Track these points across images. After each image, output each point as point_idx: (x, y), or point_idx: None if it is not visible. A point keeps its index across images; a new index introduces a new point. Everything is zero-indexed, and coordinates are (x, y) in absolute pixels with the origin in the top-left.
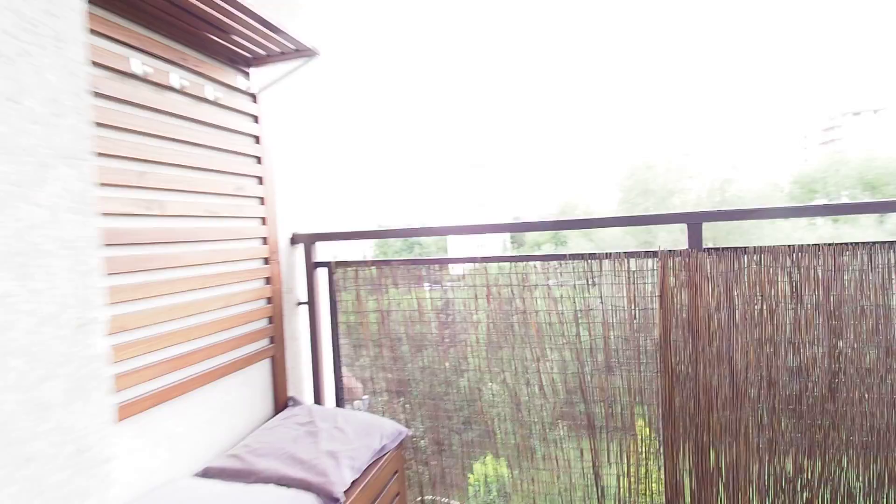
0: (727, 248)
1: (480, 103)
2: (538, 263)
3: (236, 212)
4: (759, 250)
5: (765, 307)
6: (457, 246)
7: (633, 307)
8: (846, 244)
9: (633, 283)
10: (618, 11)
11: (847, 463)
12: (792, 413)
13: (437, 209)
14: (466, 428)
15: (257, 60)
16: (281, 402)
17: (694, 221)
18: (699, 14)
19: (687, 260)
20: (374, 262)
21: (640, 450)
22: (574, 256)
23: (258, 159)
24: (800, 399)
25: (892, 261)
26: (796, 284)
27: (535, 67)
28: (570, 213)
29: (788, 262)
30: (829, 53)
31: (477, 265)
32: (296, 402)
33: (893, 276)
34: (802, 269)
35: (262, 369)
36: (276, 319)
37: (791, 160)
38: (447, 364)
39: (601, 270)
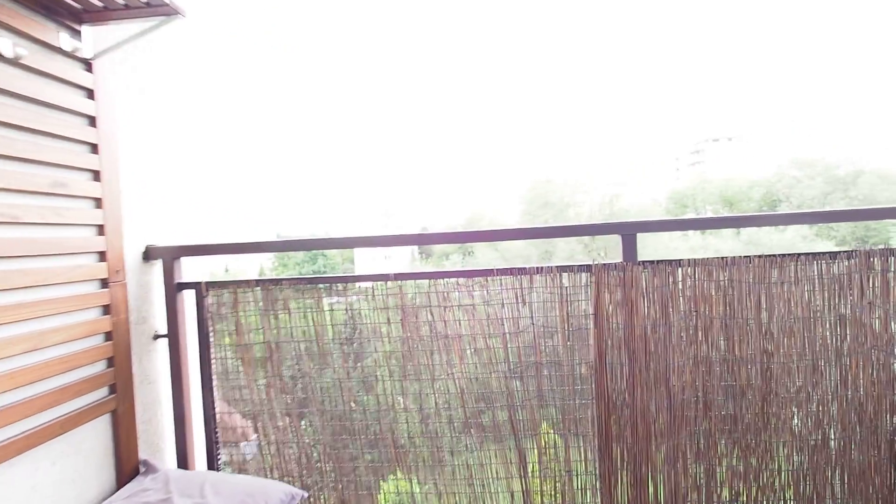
0: (661, 261)
1: (388, 108)
2: (461, 279)
3: (53, 217)
4: (693, 263)
5: (699, 324)
6: (365, 258)
7: (566, 327)
8: (775, 256)
9: (566, 301)
10: (522, 33)
11: (780, 486)
12: (728, 436)
13: (339, 217)
14: (373, 451)
15: (92, 14)
16: (127, 470)
17: (628, 232)
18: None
19: (623, 274)
20: (259, 282)
21: (574, 487)
22: (503, 272)
23: (93, 147)
24: (735, 420)
25: (816, 272)
26: (730, 299)
27: (441, 78)
28: (476, 222)
29: (722, 276)
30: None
31: (389, 283)
32: (149, 469)
33: (816, 289)
34: (735, 283)
35: (99, 429)
36: (119, 360)
37: (666, 179)
38: (353, 404)
39: (532, 286)
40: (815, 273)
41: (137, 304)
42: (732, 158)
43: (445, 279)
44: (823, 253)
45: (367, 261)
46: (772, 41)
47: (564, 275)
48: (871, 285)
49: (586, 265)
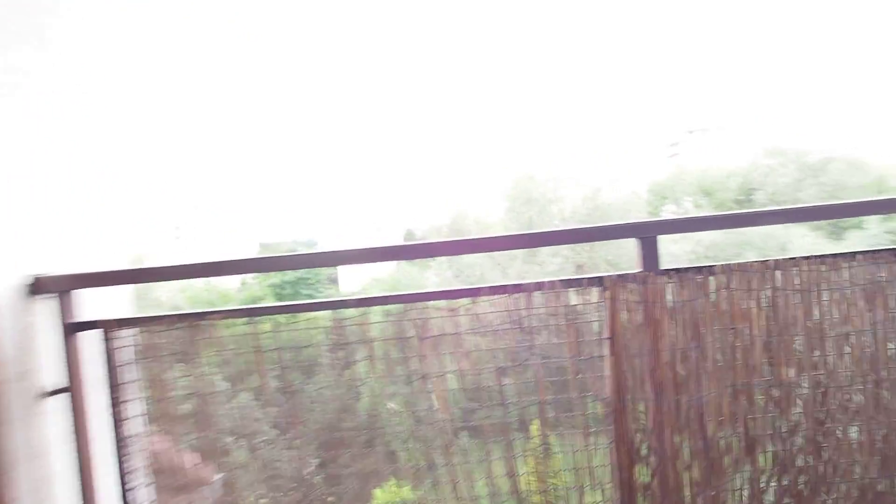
0: (689, 268)
1: (363, 104)
2: (443, 301)
3: None
4: (728, 269)
5: (738, 345)
6: (349, 272)
7: (575, 357)
8: (825, 258)
9: (574, 324)
10: (501, 29)
11: None
12: (778, 484)
13: (318, 219)
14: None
15: None
16: None
17: (647, 235)
18: (569, 42)
19: (643, 287)
20: (182, 317)
21: None
22: (495, 289)
23: None
24: (785, 464)
25: (877, 275)
26: (773, 312)
27: (419, 75)
28: (461, 221)
29: (764, 284)
30: (671, 78)
31: (351, 310)
32: None
33: (878, 298)
34: (780, 293)
35: None
36: None
37: (645, 171)
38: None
39: (531, 306)
40: (876, 276)
41: (18, 354)
42: (709, 149)
43: (423, 302)
44: (883, 250)
45: (350, 267)
46: (743, 34)
47: (571, 291)
48: None
49: (598, 277)
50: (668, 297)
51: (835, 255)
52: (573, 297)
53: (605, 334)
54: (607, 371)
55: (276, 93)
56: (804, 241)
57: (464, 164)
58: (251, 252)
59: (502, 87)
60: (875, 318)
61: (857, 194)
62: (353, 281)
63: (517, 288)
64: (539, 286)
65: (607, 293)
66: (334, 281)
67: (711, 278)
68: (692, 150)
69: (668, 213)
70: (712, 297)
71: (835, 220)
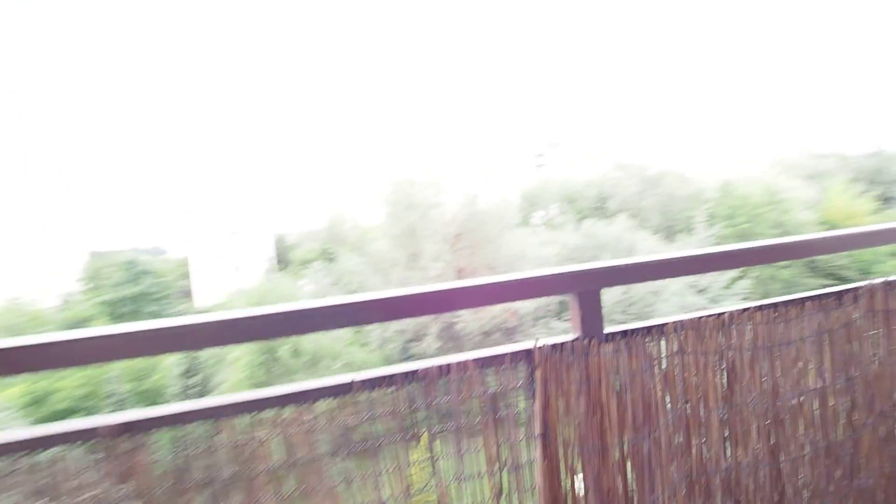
0: (635, 328)
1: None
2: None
3: None
4: (680, 327)
5: (692, 422)
6: (206, 274)
7: (495, 469)
8: (775, 306)
9: (496, 423)
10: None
11: None
12: None
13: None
14: None
15: None
16: None
17: (588, 288)
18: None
19: (584, 360)
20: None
21: None
22: (374, 380)
23: None
24: None
25: (824, 321)
26: (729, 378)
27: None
28: (339, 226)
29: (721, 340)
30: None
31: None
32: None
33: (826, 346)
34: (735, 351)
35: None
36: None
37: (516, 179)
38: None
39: (432, 398)
40: (823, 326)
41: None
42: (570, 160)
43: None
44: (827, 294)
45: (208, 278)
46: (597, 60)
47: (488, 372)
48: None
49: (524, 351)
50: (617, 371)
51: (786, 303)
52: (491, 379)
53: (536, 429)
54: (539, 480)
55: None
56: (646, 243)
57: (341, 169)
58: (80, 259)
59: (381, 95)
60: (823, 372)
61: (684, 203)
62: (210, 294)
63: (411, 377)
64: (445, 370)
65: (538, 373)
66: (187, 294)
67: (662, 341)
68: (556, 160)
69: (538, 218)
70: (664, 364)
71: (669, 224)
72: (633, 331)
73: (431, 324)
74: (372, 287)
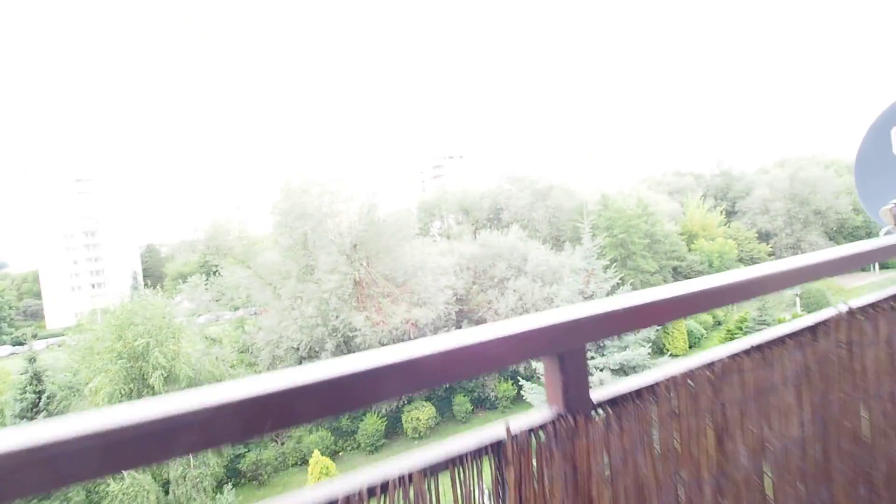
0: (625, 394)
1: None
2: None
3: None
4: (672, 384)
5: (684, 497)
6: (61, 290)
7: None
8: (761, 347)
9: None
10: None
11: None
12: None
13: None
14: None
15: None
16: None
17: (570, 348)
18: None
19: (570, 444)
20: None
21: None
22: None
23: None
24: None
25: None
26: (721, 434)
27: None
28: (223, 236)
29: (711, 395)
30: (437, 108)
31: None
32: None
33: (805, 385)
34: (727, 407)
35: None
36: None
37: (414, 190)
38: None
39: None
40: (802, 366)
41: None
42: (465, 173)
43: None
44: (802, 330)
45: (62, 294)
46: (494, 79)
47: (441, 476)
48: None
49: (492, 443)
50: (606, 450)
51: (770, 344)
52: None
53: None
54: None
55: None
56: (538, 252)
57: (227, 175)
58: None
59: (276, 101)
60: (804, 418)
61: (570, 215)
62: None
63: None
64: (380, 490)
65: (509, 473)
66: (34, 315)
67: (653, 402)
68: (452, 173)
69: (435, 228)
70: (655, 434)
71: (557, 234)
72: (622, 397)
73: (327, 339)
74: (259, 303)
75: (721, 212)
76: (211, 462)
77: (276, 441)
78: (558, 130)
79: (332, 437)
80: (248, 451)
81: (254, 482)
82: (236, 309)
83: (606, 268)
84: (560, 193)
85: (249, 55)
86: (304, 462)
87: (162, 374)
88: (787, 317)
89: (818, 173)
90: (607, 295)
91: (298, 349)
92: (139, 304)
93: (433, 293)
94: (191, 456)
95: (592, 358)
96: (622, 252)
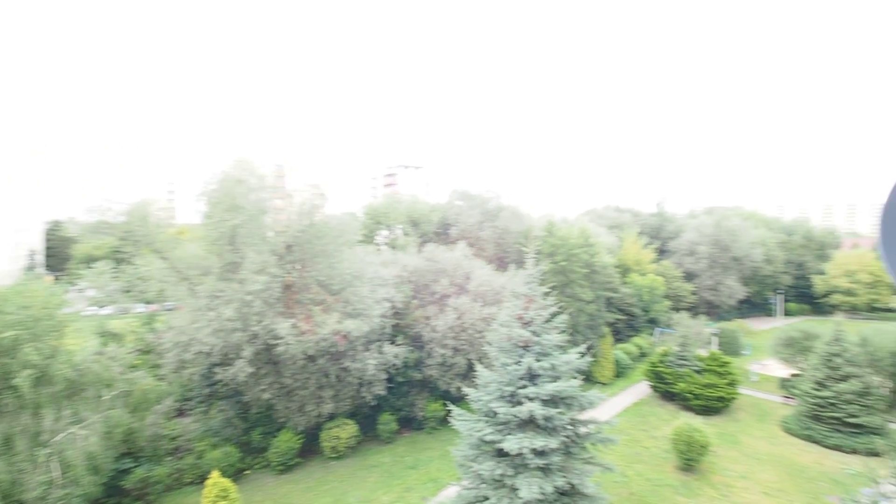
0: None
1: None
2: None
3: None
4: None
5: None
6: None
7: None
8: None
9: None
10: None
11: None
12: None
13: None
14: None
15: None
16: None
17: None
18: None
19: None
20: None
21: None
22: None
23: None
24: None
25: None
26: None
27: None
28: (142, 219)
29: None
30: (396, 115)
31: None
32: None
33: None
34: None
35: None
36: None
37: (364, 195)
38: None
39: None
40: None
41: None
42: (417, 184)
43: None
44: None
45: None
46: (456, 96)
47: None
48: None
49: None
50: None
51: None
52: None
53: None
54: None
55: None
56: (482, 271)
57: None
58: None
59: (231, 85)
60: None
61: (516, 238)
62: None
63: None
64: None
65: None
66: None
67: None
68: (405, 182)
69: (381, 237)
70: None
71: (502, 255)
72: None
73: (245, 346)
74: (173, 298)
75: (654, 249)
76: (84, 480)
77: (172, 455)
78: (514, 155)
79: (240, 454)
80: (138, 465)
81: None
82: (149, 303)
83: (547, 294)
84: (509, 215)
85: (207, 28)
86: (204, 480)
87: (32, 375)
88: (704, 353)
89: (739, 223)
90: (544, 323)
91: (210, 354)
92: (16, 289)
93: (370, 304)
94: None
95: (525, 387)
96: (562, 279)
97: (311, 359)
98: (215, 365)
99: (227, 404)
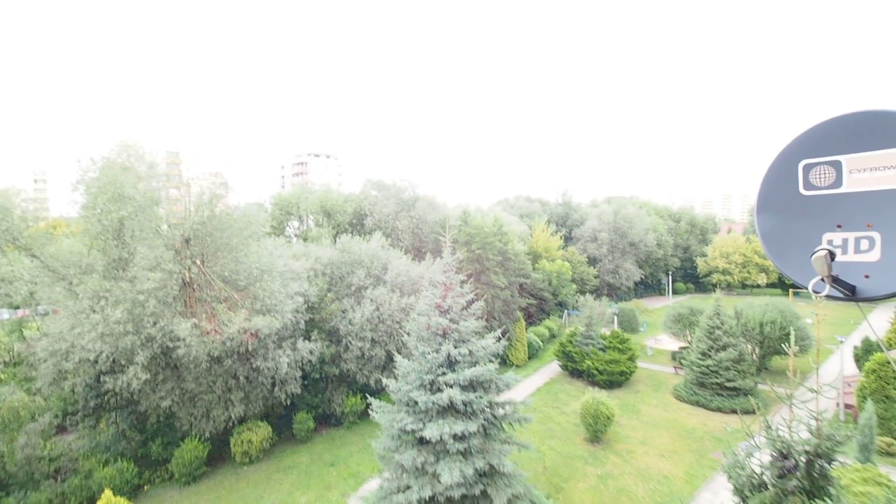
0: None
1: None
2: None
3: None
4: None
5: None
6: None
7: None
8: None
9: None
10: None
11: None
12: None
13: None
14: None
15: None
16: None
17: None
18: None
19: None
20: None
21: None
22: None
23: None
24: None
25: None
26: None
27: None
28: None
29: None
30: (306, 102)
31: None
32: None
33: None
34: None
35: None
36: None
37: (273, 185)
38: None
39: None
40: None
41: None
42: (330, 173)
43: None
44: None
45: None
46: (371, 85)
47: None
48: None
49: None
50: None
51: None
52: None
53: None
54: None
55: None
56: (399, 262)
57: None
58: None
59: (118, 59)
60: None
61: (432, 227)
62: None
63: None
64: None
65: None
66: None
67: None
68: (316, 171)
69: (292, 228)
70: None
71: (419, 245)
72: None
73: (139, 350)
74: (47, 302)
75: (561, 237)
76: None
77: (53, 478)
78: (428, 146)
79: (135, 469)
80: (7, 495)
81: None
82: (16, 308)
83: (463, 282)
84: (425, 205)
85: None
86: (94, 502)
87: None
88: (607, 332)
89: (635, 211)
90: (462, 310)
91: (97, 362)
92: None
93: (281, 300)
94: None
95: (444, 374)
96: (477, 267)
97: (217, 360)
98: (103, 373)
99: (120, 415)
